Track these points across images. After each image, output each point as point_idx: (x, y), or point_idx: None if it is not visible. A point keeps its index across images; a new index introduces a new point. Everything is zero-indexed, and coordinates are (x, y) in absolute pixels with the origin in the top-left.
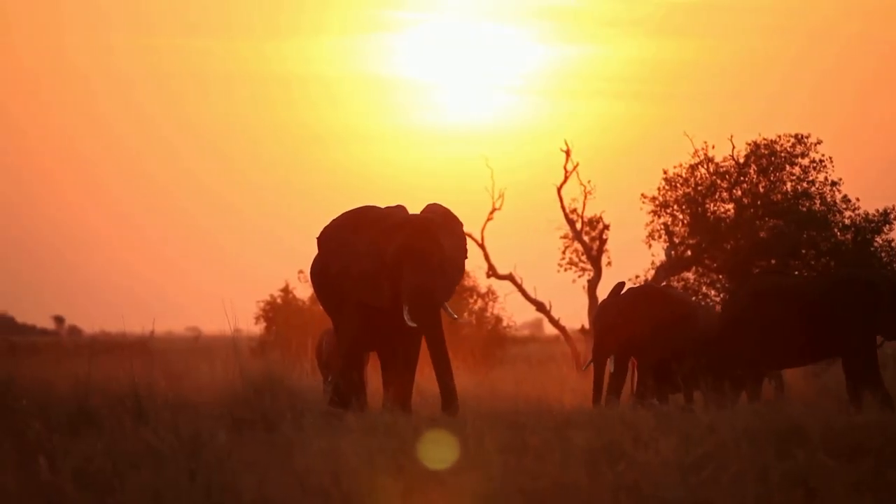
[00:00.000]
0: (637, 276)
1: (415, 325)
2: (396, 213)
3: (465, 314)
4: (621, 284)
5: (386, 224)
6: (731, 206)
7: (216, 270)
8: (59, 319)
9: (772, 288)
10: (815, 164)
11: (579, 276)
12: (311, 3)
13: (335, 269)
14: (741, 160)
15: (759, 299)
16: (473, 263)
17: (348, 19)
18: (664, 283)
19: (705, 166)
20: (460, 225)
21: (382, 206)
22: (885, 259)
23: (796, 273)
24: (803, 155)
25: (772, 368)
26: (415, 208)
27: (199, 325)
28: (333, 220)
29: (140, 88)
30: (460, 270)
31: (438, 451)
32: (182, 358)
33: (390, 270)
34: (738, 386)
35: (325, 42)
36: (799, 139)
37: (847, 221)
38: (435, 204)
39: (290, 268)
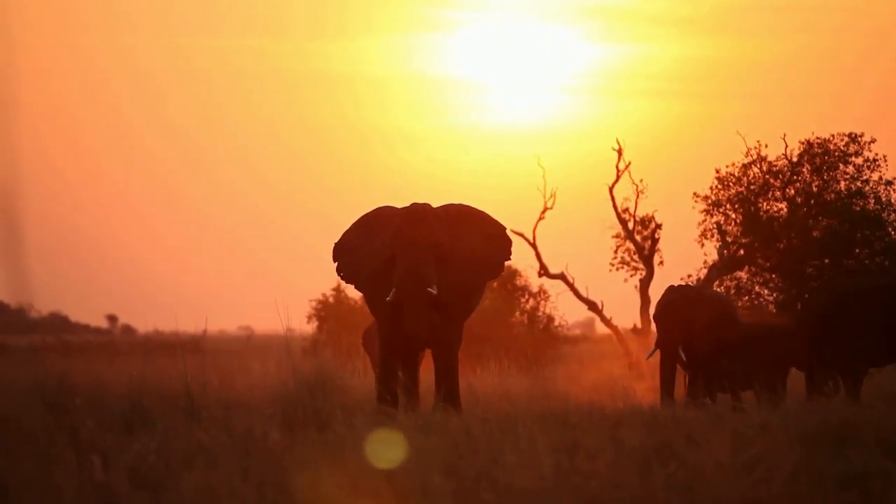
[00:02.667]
0: (689, 276)
1: (396, 301)
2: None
3: (517, 313)
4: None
5: (391, 221)
6: (783, 205)
7: (269, 270)
8: (112, 318)
9: (854, 288)
10: (868, 163)
11: (631, 276)
12: (361, 3)
13: (349, 270)
14: (794, 159)
15: (842, 299)
16: (525, 263)
17: (399, 19)
18: (703, 284)
19: (758, 165)
20: (489, 223)
21: (435, 206)
22: None
23: (874, 273)
24: (857, 154)
25: (855, 367)
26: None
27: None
28: (352, 224)
29: (195, 89)
30: (481, 266)
31: (385, 450)
32: (235, 357)
33: (392, 263)
34: (819, 384)
35: (376, 42)
36: (853, 138)
37: None
38: (459, 204)
39: None
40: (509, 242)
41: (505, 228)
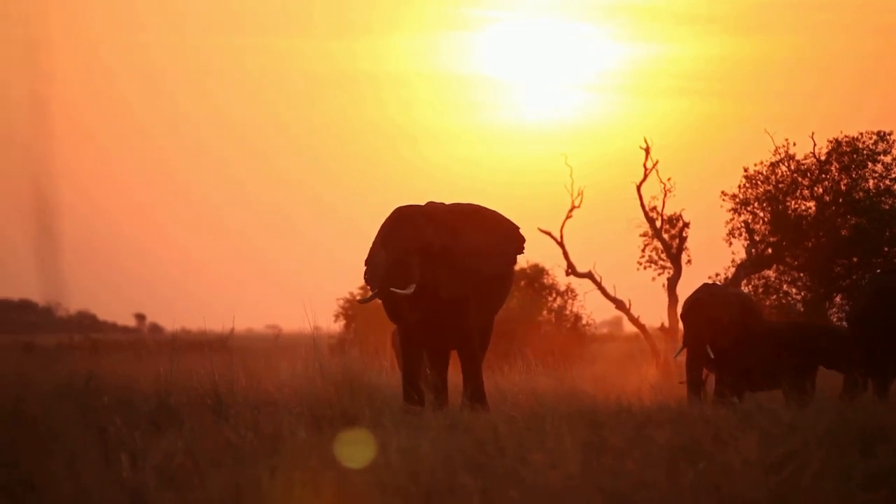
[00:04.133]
0: (717, 274)
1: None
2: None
3: (545, 312)
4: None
5: None
6: (812, 203)
7: (296, 269)
8: (140, 317)
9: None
10: None
11: (659, 274)
12: (387, 2)
13: (368, 276)
14: (822, 157)
15: (884, 298)
16: (552, 261)
17: (425, 17)
18: (731, 283)
19: (786, 164)
20: (496, 220)
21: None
22: None
23: None
24: (885, 152)
25: (886, 366)
26: (492, 207)
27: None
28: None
29: (220, 88)
30: (487, 262)
31: (354, 450)
32: (262, 355)
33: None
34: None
35: (402, 40)
36: (881, 136)
37: None
38: (468, 203)
39: None
40: (519, 239)
41: (516, 227)
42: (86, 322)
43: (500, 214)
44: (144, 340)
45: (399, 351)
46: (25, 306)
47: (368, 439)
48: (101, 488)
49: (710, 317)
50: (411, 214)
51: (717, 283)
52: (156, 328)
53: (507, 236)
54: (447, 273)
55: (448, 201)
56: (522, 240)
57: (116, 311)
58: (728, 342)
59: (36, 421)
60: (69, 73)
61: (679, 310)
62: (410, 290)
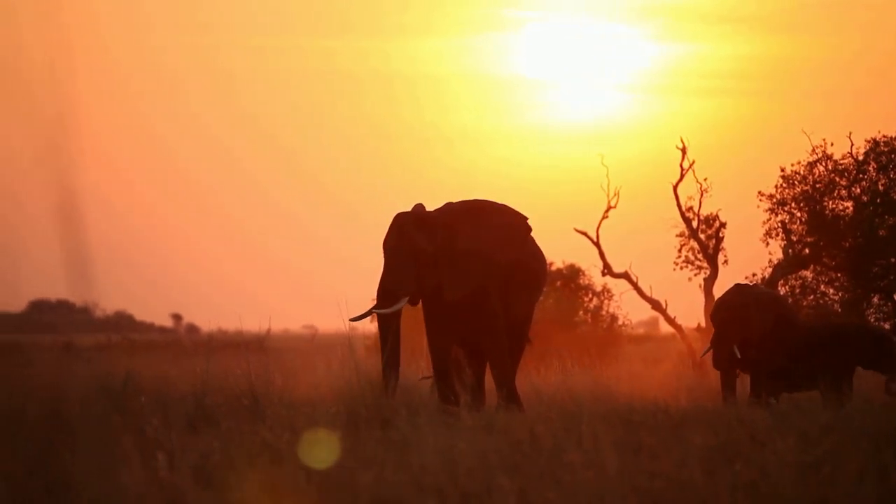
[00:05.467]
0: (754, 275)
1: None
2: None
3: (581, 312)
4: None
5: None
6: (849, 203)
7: (332, 268)
8: (177, 317)
9: None
10: None
11: (695, 275)
12: (425, 3)
13: None
14: (860, 157)
15: None
16: (588, 262)
17: (462, 18)
18: (768, 283)
19: (823, 164)
20: (501, 214)
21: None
22: None
23: None
24: None
25: None
26: (522, 209)
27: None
28: None
29: (257, 90)
30: (491, 259)
31: (318, 451)
32: (298, 356)
33: (425, 268)
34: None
35: (438, 41)
36: None
37: None
38: (473, 200)
39: None
40: (524, 227)
41: (521, 216)
42: (123, 322)
43: (503, 206)
44: (181, 341)
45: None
46: (63, 306)
47: (332, 440)
48: (138, 488)
49: (737, 317)
50: (399, 223)
51: (753, 283)
52: (192, 328)
53: (509, 226)
54: (448, 275)
55: (456, 200)
56: (528, 229)
57: (153, 311)
58: (756, 342)
59: (73, 421)
60: (98, 72)
61: None
62: (399, 306)
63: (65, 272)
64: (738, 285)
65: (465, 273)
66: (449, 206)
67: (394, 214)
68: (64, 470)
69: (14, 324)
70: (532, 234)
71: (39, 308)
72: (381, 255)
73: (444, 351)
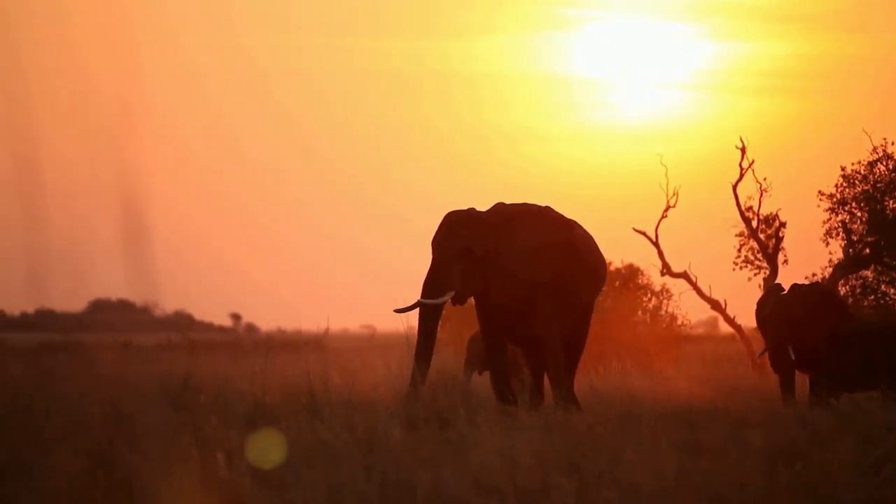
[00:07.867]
0: (814, 275)
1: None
2: None
3: (639, 312)
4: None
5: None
6: None
7: (391, 269)
8: (236, 317)
9: None
10: None
11: (755, 275)
12: (483, 3)
13: None
14: None
15: None
16: (647, 261)
17: (520, 17)
18: (828, 283)
19: (884, 163)
20: (545, 218)
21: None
22: None
23: None
24: None
25: None
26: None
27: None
28: None
29: (317, 89)
30: (535, 261)
31: (264, 450)
32: (357, 355)
33: (471, 267)
34: None
35: (497, 41)
36: None
37: None
38: (522, 203)
39: None
40: (567, 235)
41: (573, 222)
42: (182, 322)
43: (555, 212)
44: (240, 340)
45: (468, 355)
46: (124, 306)
47: (279, 438)
48: (196, 487)
49: (789, 316)
50: (450, 221)
51: (812, 282)
52: (251, 328)
53: (561, 228)
54: (496, 277)
55: (542, 202)
56: (582, 237)
57: (213, 311)
58: (813, 342)
59: (133, 420)
60: (163, 71)
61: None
62: (444, 299)
63: (125, 272)
64: (795, 285)
65: (513, 276)
66: (500, 206)
67: None
68: (124, 469)
69: (75, 323)
70: (588, 230)
71: (100, 307)
72: None
73: (499, 350)
